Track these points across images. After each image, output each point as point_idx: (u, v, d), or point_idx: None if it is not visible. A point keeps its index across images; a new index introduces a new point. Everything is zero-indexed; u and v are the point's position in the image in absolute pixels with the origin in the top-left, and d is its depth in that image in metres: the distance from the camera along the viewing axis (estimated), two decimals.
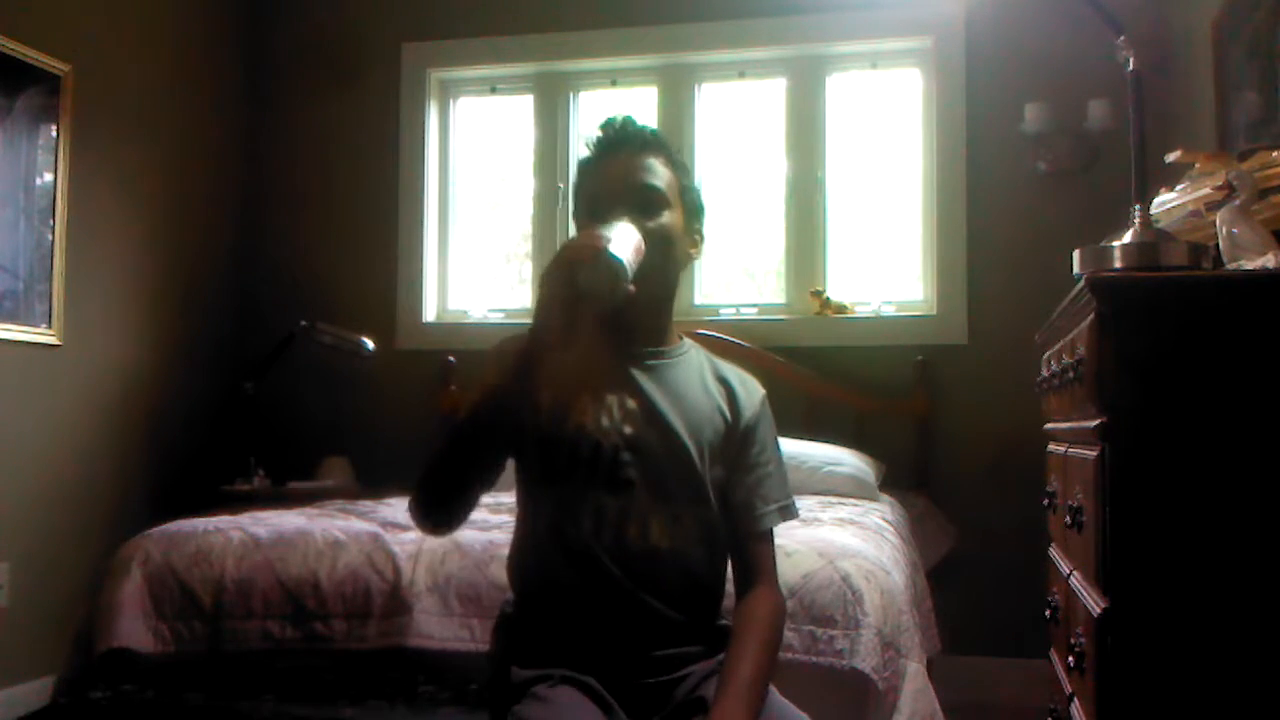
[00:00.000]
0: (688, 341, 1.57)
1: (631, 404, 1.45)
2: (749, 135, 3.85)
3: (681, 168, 1.53)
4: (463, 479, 1.41)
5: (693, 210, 1.53)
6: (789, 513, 1.51)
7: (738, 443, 1.49)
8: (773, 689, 1.42)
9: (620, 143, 1.50)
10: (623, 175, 1.47)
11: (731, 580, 1.50)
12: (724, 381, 1.54)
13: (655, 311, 1.51)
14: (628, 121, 1.52)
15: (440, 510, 1.44)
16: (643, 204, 1.45)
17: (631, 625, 1.40)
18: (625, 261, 1.30)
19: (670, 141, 1.55)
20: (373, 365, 3.68)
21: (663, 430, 1.45)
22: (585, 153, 1.54)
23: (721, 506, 1.47)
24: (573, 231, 1.55)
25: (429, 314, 3.94)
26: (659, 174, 1.48)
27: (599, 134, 1.53)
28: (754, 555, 1.47)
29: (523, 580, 1.50)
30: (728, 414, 1.50)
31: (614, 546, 1.40)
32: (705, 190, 3.74)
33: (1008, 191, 3.48)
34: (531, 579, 1.48)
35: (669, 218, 1.47)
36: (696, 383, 1.51)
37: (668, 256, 1.47)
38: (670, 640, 1.42)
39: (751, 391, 1.55)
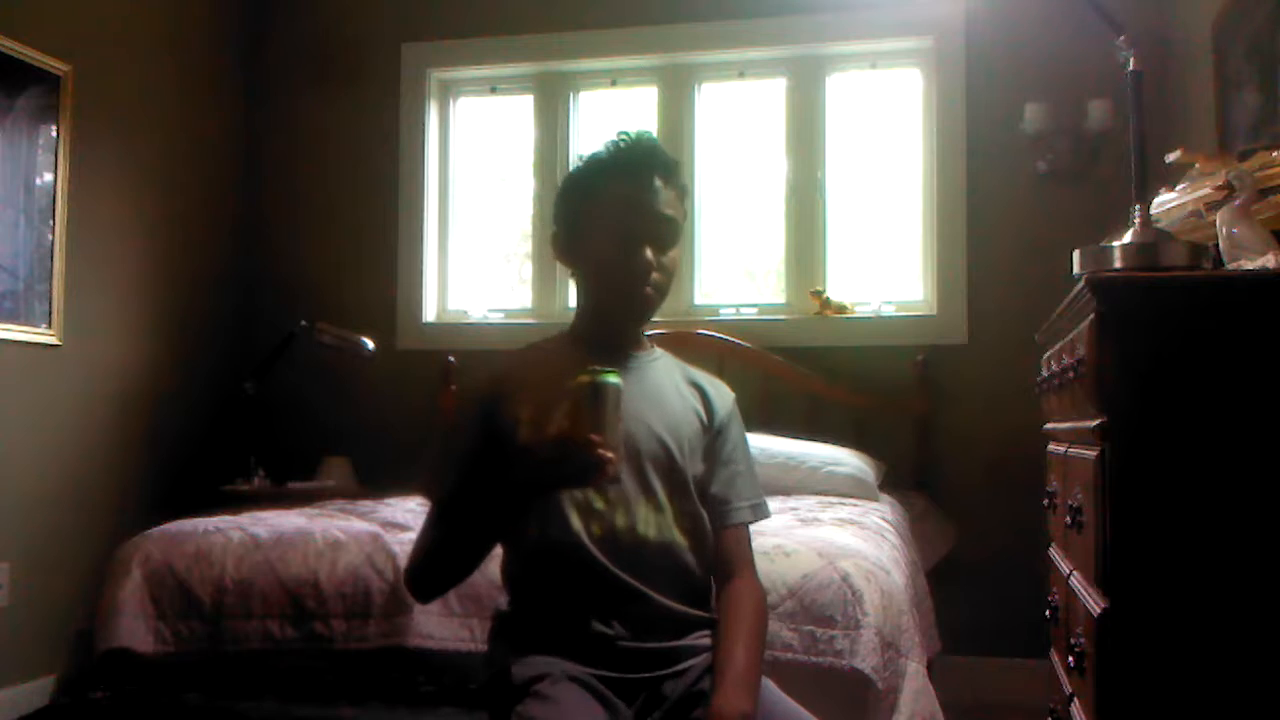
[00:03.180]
0: (658, 349, 1.63)
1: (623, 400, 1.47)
2: (749, 135, 3.85)
3: (688, 194, 1.57)
4: (470, 557, 1.47)
5: (683, 229, 1.58)
6: (760, 511, 1.57)
7: (712, 441, 1.56)
8: (772, 684, 1.44)
9: (648, 166, 1.50)
10: (651, 207, 1.49)
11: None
12: (696, 385, 1.60)
13: (642, 326, 1.58)
14: (652, 143, 1.53)
15: (443, 583, 1.52)
16: (664, 240, 1.50)
17: (627, 618, 1.42)
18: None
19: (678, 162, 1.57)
20: (373, 365, 3.68)
21: (643, 428, 1.49)
22: (601, 160, 1.52)
23: (701, 500, 1.52)
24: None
25: (429, 314, 3.94)
26: (677, 207, 1.53)
27: (620, 149, 1.52)
28: (731, 546, 1.52)
29: (516, 584, 1.52)
30: (702, 414, 1.56)
31: (604, 542, 1.43)
32: (705, 190, 3.77)
33: (1008, 191, 3.48)
34: (526, 582, 1.50)
35: (677, 251, 1.53)
36: (670, 385, 1.57)
37: (669, 286, 1.54)
38: (667, 633, 1.44)
39: (723, 394, 1.62)
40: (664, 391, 1.55)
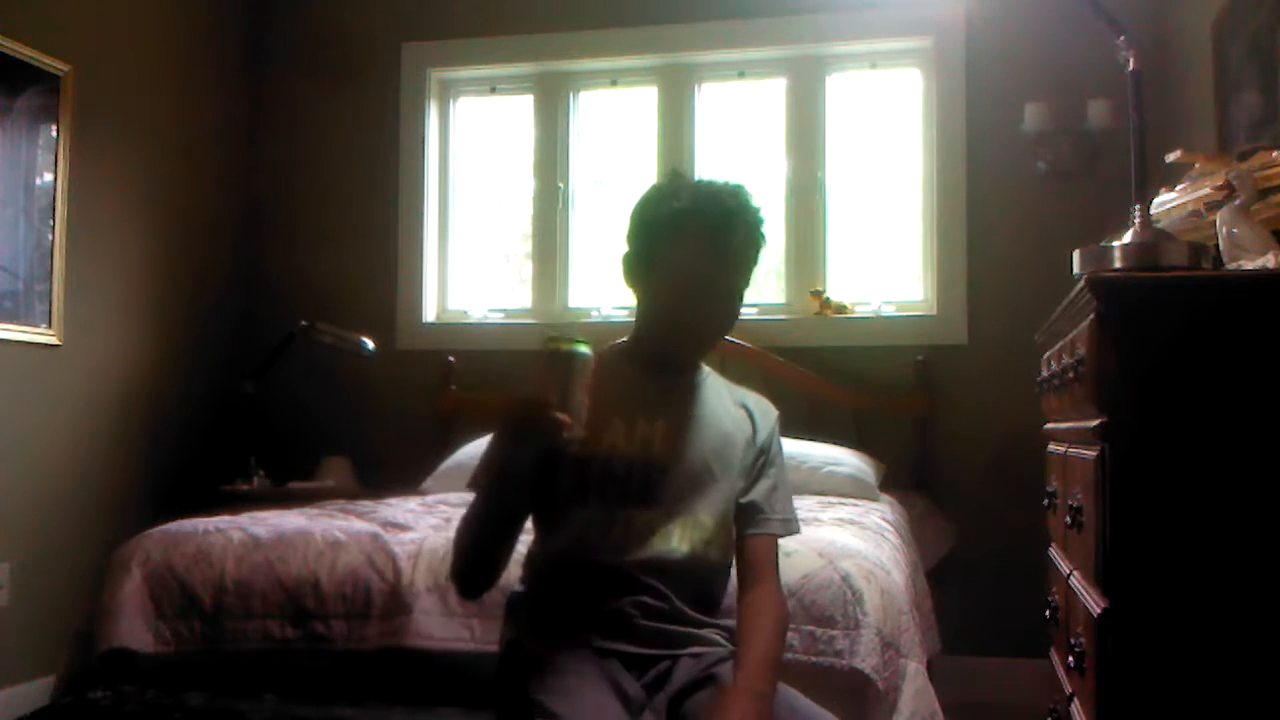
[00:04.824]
0: (706, 367, 1.65)
1: (662, 426, 1.53)
2: (749, 135, 3.85)
3: (762, 243, 1.56)
4: (497, 535, 1.48)
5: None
6: (790, 527, 1.60)
7: (754, 459, 1.59)
8: (789, 688, 1.46)
9: (732, 219, 1.50)
10: (727, 259, 1.50)
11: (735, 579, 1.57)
12: (742, 405, 1.64)
13: (696, 360, 1.62)
14: (744, 197, 1.51)
15: (482, 570, 1.50)
16: (732, 290, 1.53)
17: (642, 607, 1.46)
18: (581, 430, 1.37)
19: (760, 208, 1.55)
20: (373, 365, 3.68)
21: (692, 451, 1.53)
22: (686, 198, 1.51)
23: (733, 513, 1.56)
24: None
25: (429, 314, 3.94)
26: (751, 259, 1.54)
27: (709, 194, 1.51)
28: (760, 554, 1.55)
29: (538, 579, 1.55)
30: (748, 435, 1.60)
31: (639, 559, 1.46)
32: None
33: (1008, 191, 3.48)
34: (549, 580, 1.52)
35: (744, 295, 1.56)
36: (718, 407, 1.61)
37: (731, 327, 1.57)
38: (681, 623, 1.48)
39: (767, 414, 1.65)
40: (712, 414, 1.59)
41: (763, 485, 1.58)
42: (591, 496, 1.49)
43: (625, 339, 1.63)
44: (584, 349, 1.38)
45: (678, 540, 1.49)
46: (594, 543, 1.47)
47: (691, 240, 1.49)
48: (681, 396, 1.58)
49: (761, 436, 1.61)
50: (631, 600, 1.45)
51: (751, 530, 1.55)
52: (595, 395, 1.43)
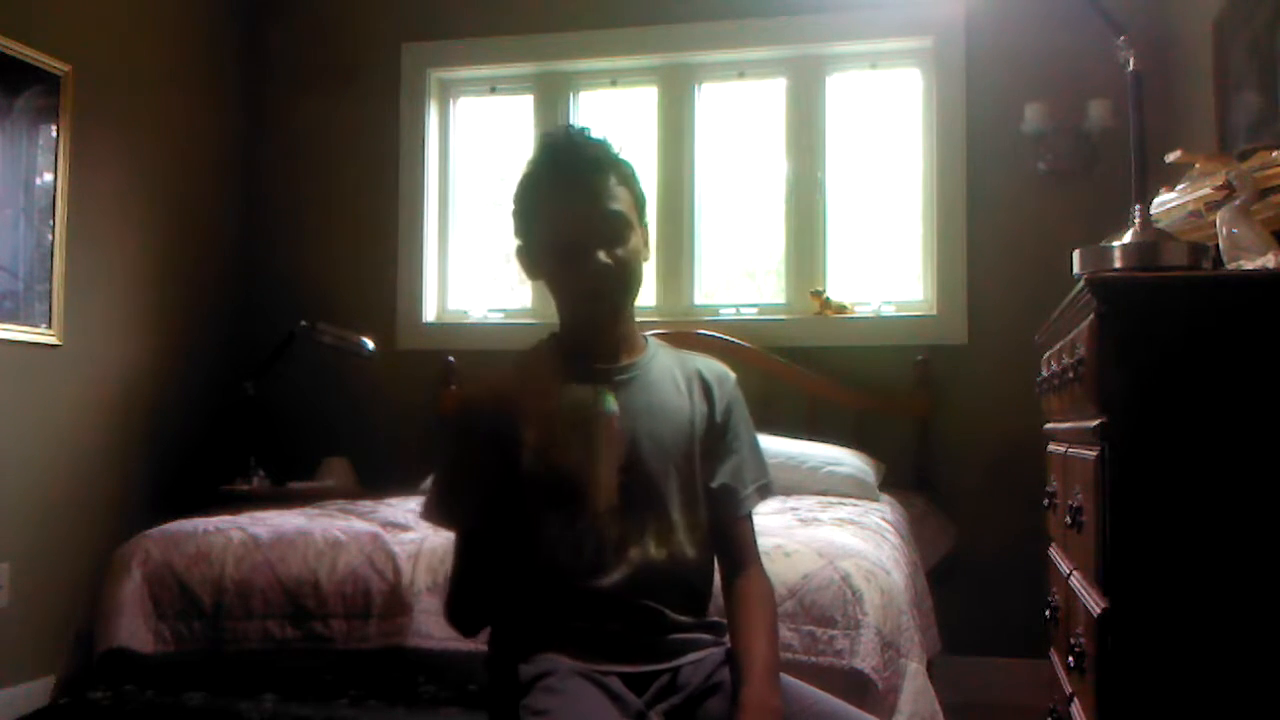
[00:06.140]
0: (653, 343, 1.56)
1: (618, 427, 1.43)
2: (749, 135, 3.85)
3: (632, 176, 1.48)
4: (494, 557, 1.42)
5: (643, 213, 1.50)
6: (766, 491, 1.54)
7: (718, 434, 1.51)
8: (794, 679, 1.44)
9: (575, 166, 1.43)
10: (588, 207, 1.42)
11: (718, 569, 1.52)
12: (696, 377, 1.54)
13: (624, 325, 1.51)
14: (578, 139, 1.46)
15: (476, 610, 1.45)
16: (611, 236, 1.43)
17: (635, 630, 1.41)
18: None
19: (617, 147, 1.48)
20: (373, 365, 3.68)
21: (651, 447, 1.45)
22: (531, 169, 1.46)
23: (705, 497, 1.49)
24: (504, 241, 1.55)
25: (429, 314, 3.94)
26: (619, 196, 1.44)
27: (545, 154, 1.46)
28: (740, 538, 1.50)
29: (514, 604, 1.47)
30: (706, 411, 1.51)
31: (620, 577, 1.40)
32: (705, 190, 3.76)
33: (1008, 191, 3.48)
34: (527, 606, 1.45)
35: (634, 239, 1.45)
36: (671, 388, 1.51)
37: (636, 277, 1.47)
38: (671, 632, 1.43)
39: (724, 380, 1.56)
40: (667, 400, 1.49)
41: (731, 463, 1.50)
42: (555, 514, 1.40)
43: (550, 335, 1.55)
44: (610, 405, 1.38)
45: (655, 548, 1.42)
46: (567, 564, 1.40)
47: (546, 197, 1.44)
48: (628, 386, 1.47)
49: (721, 409, 1.51)
50: (619, 621, 1.39)
51: (728, 514, 1.49)
52: (537, 394, 1.39)
